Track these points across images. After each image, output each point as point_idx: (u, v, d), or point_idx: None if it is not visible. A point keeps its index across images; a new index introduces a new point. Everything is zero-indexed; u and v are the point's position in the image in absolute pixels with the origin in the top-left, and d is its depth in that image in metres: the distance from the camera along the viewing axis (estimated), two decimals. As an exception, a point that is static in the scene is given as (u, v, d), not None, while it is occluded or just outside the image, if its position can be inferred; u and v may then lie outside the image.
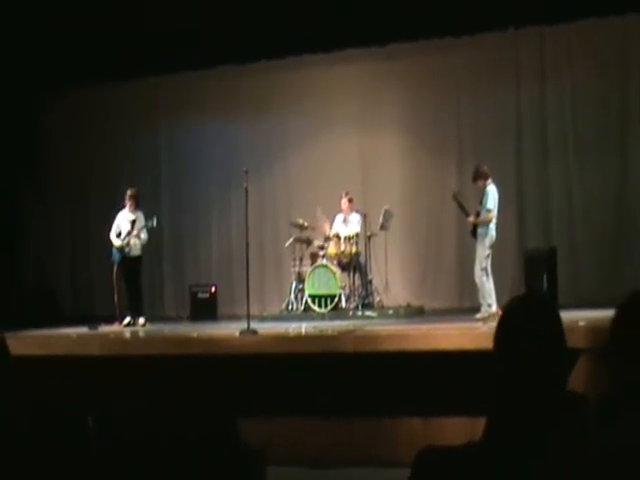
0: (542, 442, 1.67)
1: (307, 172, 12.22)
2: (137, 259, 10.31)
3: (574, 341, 2.12)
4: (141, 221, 10.28)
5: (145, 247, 10.48)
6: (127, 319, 10.10)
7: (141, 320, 10.20)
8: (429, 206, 11.59)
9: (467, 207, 9.01)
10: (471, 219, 8.80)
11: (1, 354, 2.52)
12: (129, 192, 10.34)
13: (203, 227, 12.85)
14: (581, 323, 5.90)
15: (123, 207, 10.39)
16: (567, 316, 2.08)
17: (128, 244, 10.17)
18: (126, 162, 13.14)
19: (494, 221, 8.70)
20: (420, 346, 6.21)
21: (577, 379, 2.00)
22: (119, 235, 10.25)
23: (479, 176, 8.83)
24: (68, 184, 13.54)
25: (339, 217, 10.83)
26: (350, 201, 10.69)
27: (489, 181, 8.79)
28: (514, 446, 1.68)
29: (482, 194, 8.80)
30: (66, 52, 11.79)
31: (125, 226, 10.26)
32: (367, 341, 6.66)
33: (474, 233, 8.79)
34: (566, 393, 1.75)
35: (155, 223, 10.27)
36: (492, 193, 8.72)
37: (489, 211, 8.65)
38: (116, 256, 10.23)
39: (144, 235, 10.27)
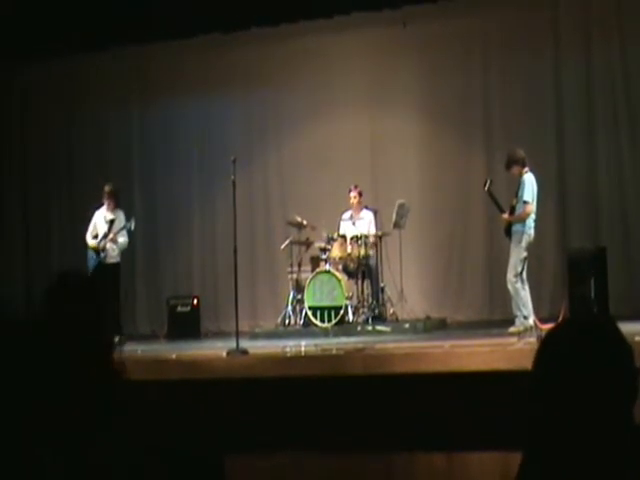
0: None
1: (307, 161, 12.23)
2: (114, 267, 10.37)
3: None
4: (121, 222, 10.40)
5: (124, 253, 10.54)
6: None
7: (116, 339, 10.19)
8: (452, 199, 11.57)
9: (501, 201, 8.98)
10: (505, 216, 8.76)
11: None
12: (106, 188, 10.47)
13: (182, 228, 12.84)
14: (637, 338, 5.86)
15: (102, 205, 10.51)
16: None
17: (104, 249, 10.22)
18: (91, 149, 13.12)
19: (533, 217, 8.68)
20: (442, 367, 6.20)
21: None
22: (96, 237, 10.36)
23: (514, 162, 8.80)
24: (21, 179, 13.50)
25: (346, 215, 10.79)
26: (360, 195, 10.66)
27: (526, 169, 8.78)
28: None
29: (517, 184, 8.76)
30: (20, 18, 11.73)
31: (102, 227, 10.38)
32: (379, 361, 6.65)
33: (508, 232, 8.76)
34: (632, 427, 1.69)
35: (133, 226, 10.36)
36: (529, 182, 8.70)
37: (526, 203, 8.62)
38: (91, 261, 10.32)
39: (122, 239, 10.37)
